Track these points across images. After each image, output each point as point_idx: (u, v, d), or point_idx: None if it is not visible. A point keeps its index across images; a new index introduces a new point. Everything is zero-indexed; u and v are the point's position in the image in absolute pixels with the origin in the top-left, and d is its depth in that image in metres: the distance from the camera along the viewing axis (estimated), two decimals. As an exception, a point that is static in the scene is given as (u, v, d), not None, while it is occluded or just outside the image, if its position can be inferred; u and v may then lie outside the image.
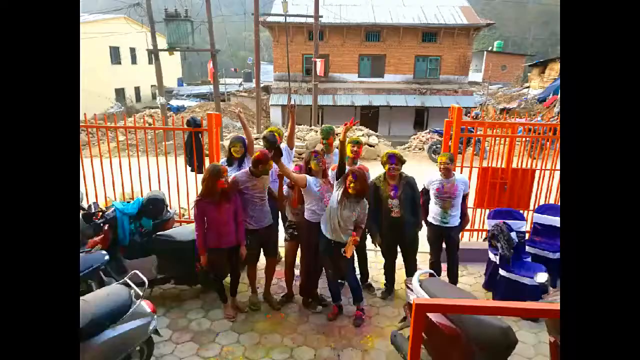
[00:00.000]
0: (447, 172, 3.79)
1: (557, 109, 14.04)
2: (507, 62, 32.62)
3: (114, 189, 4.98)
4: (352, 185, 3.29)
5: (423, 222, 4.01)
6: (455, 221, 3.88)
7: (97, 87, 20.83)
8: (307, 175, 3.53)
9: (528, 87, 25.35)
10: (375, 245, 3.89)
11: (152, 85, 29.46)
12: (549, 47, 48.75)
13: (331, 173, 3.71)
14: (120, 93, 25.80)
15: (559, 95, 18.44)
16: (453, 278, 4.03)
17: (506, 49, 37.62)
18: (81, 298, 2.60)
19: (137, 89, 28.29)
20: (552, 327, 2.62)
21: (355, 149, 3.97)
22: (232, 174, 3.68)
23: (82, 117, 4.04)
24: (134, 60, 27.81)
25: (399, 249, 3.99)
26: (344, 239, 3.46)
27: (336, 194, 3.43)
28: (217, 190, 3.35)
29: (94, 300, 2.58)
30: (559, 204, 4.65)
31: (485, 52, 33.46)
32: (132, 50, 27.19)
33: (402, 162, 3.77)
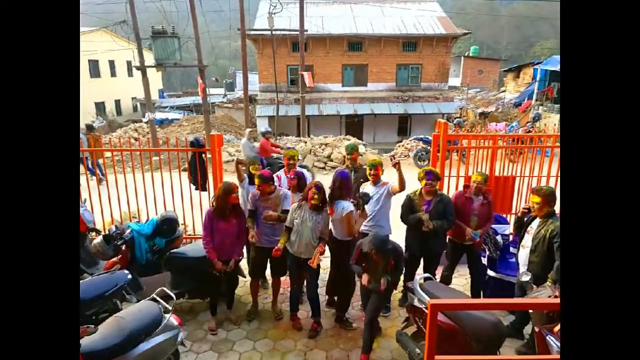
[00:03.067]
0: (477, 192, 3.98)
1: (532, 113, 14.80)
2: (483, 66, 33.82)
3: (115, 208, 5.14)
4: (315, 196, 3.53)
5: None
6: (475, 236, 4.02)
7: (78, 102, 20.56)
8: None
9: (504, 91, 26.39)
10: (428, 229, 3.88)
11: (132, 98, 29.23)
12: (522, 50, 50.65)
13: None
14: (100, 107, 25.54)
15: (532, 100, 19.38)
16: (475, 292, 4.25)
17: (481, 53, 38.97)
18: (117, 315, 2.85)
19: (117, 102, 28.04)
20: (537, 319, 3.01)
21: (372, 172, 3.99)
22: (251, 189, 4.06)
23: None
24: (113, 73, 27.59)
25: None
26: (312, 253, 3.63)
27: (299, 212, 3.64)
28: (228, 206, 3.65)
29: (129, 316, 2.81)
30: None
31: (462, 58, 34.55)
32: (112, 63, 26.99)
33: (438, 178, 3.94)
